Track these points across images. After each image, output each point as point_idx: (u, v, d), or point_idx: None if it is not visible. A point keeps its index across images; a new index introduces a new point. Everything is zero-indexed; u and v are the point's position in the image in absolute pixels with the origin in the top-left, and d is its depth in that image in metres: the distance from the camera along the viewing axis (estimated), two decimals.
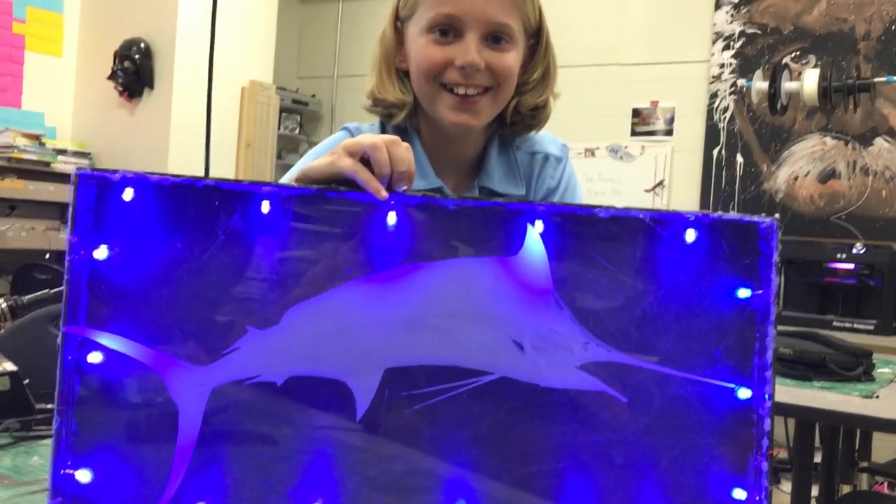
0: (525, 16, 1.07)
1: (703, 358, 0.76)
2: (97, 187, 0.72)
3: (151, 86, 4.22)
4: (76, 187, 0.72)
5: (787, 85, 3.65)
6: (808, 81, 3.49)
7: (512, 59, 1.06)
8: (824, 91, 3.50)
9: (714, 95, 4.37)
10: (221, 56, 4.26)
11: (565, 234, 0.76)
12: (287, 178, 0.88)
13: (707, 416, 0.76)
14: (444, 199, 0.76)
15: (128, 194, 0.72)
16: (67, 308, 0.72)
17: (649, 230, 0.76)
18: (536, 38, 1.12)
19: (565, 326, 0.75)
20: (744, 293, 0.76)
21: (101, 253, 0.72)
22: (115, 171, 0.72)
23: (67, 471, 0.72)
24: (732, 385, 0.76)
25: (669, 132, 4.53)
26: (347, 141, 0.79)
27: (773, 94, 3.63)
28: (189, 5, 4.15)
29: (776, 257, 0.75)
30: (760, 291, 0.76)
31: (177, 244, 0.73)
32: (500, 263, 0.75)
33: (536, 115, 1.15)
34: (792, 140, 4.20)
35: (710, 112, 4.38)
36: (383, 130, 1.13)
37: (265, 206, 0.74)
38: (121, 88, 4.22)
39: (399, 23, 1.11)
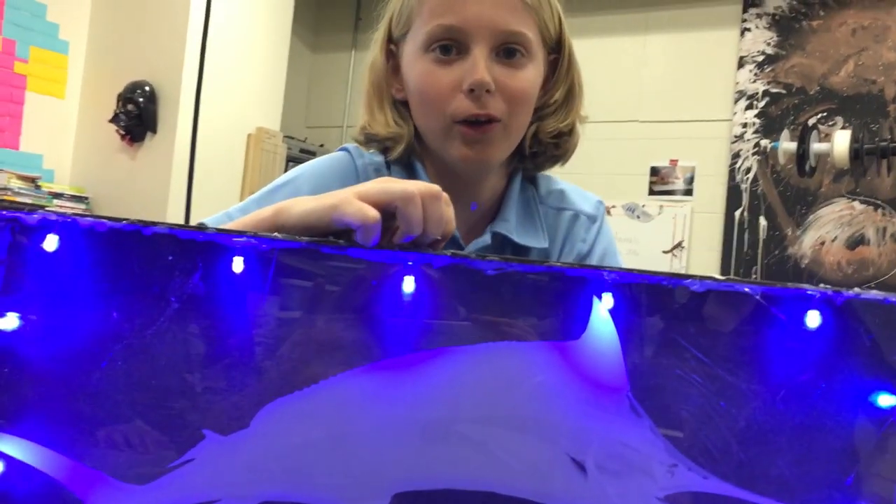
0: (542, 23, 0.87)
1: (828, 488, 0.56)
2: (10, 232, 0.53)
3: (154, 130, 4.08)
4: None
5: (817, 146, 3.50)
6: (839, 143, 3.33)
7: (529, 77, 0.87)
8: (856, 153, 3.34)
9: (736, 155, 4.21)
10: (228, 102, 4.15)
11: (644, 313, 0.56)
12: (241, 219, 0.67)
13: None
14: (480, 261, 0.56)
15: (50, 243, 0.53)
16: None
17: (759, 311, 0.56)
18: (557, 52, 0.93)
19: (644, 441, 0.55)
20: (886, 400, 0.56)
21: (9, 322, 0.53)
22: (31, 212, 0.53)
23: None
24: None
25: (689, 192, 4.36)
26: (369, 185, 0.60)
27: (802, 155, 3.48)
28: (196, 49, 4.03)
29: None
30: None
31: (113, 313, 0.53)
32: (556, 350, 0.55)
33: (561, 144, 0.95)
34: (818, 203, 4.02)
35: (731, 172, 4.22)
36: (387, 163, 0.94)
37: (237, 264, 0.54)
38: (122, 132, 4.08)
39: (392, 45, 0.93)
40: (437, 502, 0.54)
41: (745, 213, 4.17)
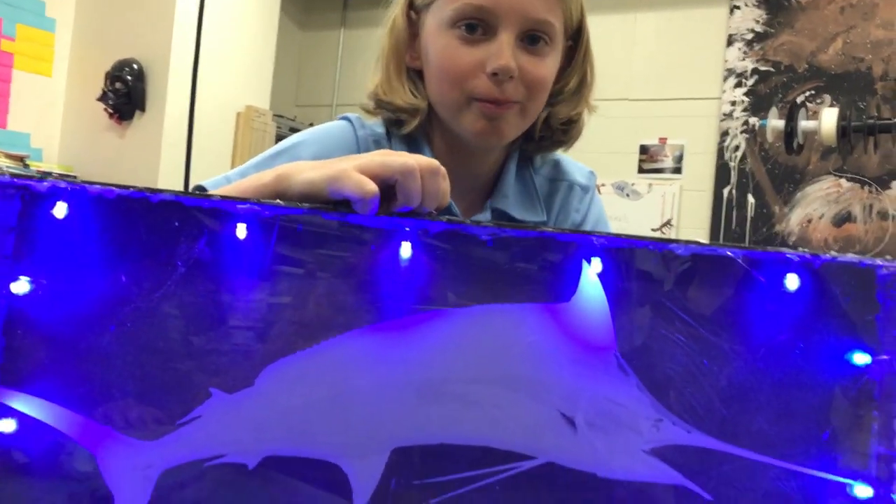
0: (568, 12, 0.89)
1: (806, 443, 0.59)
2: (21, 200, 0.55)
3: (143, 108, 4.06)
4: None
5: (804, 124, 3.52)
6: (827, 120, 3.36)
7: (549, 66, 0.88)
8: (843, 131, 3.37)
9: (725, 133, 4.23)
10: (217, 80, 4.13)
11: (631, 277, 0.58)
12: (242, 183, 0.69)
13: None
14: (475, 227, 0.58)
15: (60, 210, 0.55)
16: None
17: (741, 274, 0.58)
18: (575, 40, 0.94)
19: (631, 397, 0.57)
20: (860, 358, 0.59)
21: (21, 287, 0.55)
22: (41, 179, 0.54)
23: None
24: (847, 480, 0.58)
25: (678, 170, 4.38)
26: (369, 157, 0.61)
27: (790, 132, 3.50)
28: (184, 27, 4.02)
29: None
30: (884, 357, 0.58)
31: (121, 277, 0.55)
32: (547, 312, 0.58)
33: (568, 131, 0.97)
34: (806, 181, 4.06)
35: (720, 150, 4.24)
36: (388, 135, 0.95)
37: (241, 230, 0.56)
38: (111, 111, 4.06)
39: (413, 13, 0.92)
40: (433, 457, 0.57)
41: (734, 191, 4.19)
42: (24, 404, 0.54)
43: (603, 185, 4.45)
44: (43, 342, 0.55)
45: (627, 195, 4.46)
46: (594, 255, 0.58)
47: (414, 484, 0.56)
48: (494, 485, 0.57)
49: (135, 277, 0.55)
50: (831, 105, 3.95)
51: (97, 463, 0.54)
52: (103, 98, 4.05)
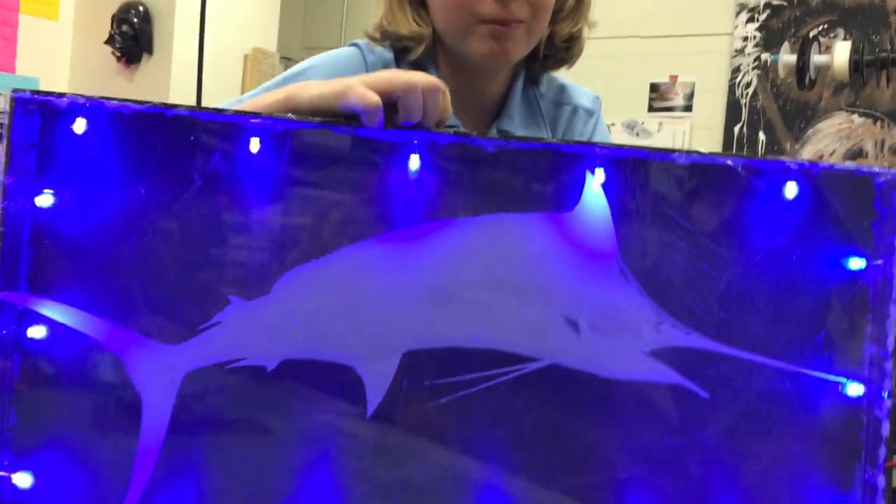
0: None
1: (801, 344, 0.61)
2: (41, 117, 0.57)
3: (150, 51, 4.04)
4: (13, 115, 0.56)
5: (817, 58, 3.47)
6: (839, 54, 3.31)
7: None
8: (856, 65, 3.32)
9: (736, 70, 4.18)
10: (223, 22, 4.09)
11: (633, 186, 0.60)
12: (252, 101, 0.70)
13: (806, 417, 0.61)
14: (481, 139, 0.60)
15: (79, 126, 0.57)
16: (3, 269, 0.56)
17: (741, 182, 0.60)
18: None
19: (632, 302, 0.60)
20: (856, 263, 0.61)
21: (45, 200, 0.57)
22: (61, 95, 0.56)
23: (3, 473, 0.57)
24: (840, 379, 0.60)
25: (689, 108, 4.34)
26: (375, 74, 0.63)
27: (802, 67, 3.46)
28: None
29: None
30: (879, 261, 0.60)
31: (140, 190, 0.58)
32: (551, 221, 0.60)
33: (570, 48, 0.99)
34: (817, 117, 4.02)
35: (731, 88, 4.20)
36: (397, 63, 0.97)
37: (254, 144, 0.58)
38: (118, 54, 4.04)
39: None
40: (442, 358, 0.59)
41: (745, 129, 4.16)
42: (53, 311, 0.57)
43: (613, 124, 4.42)
44: (68, 252, 0.57)
45: (637, 134, 4.43)
46: (598, 166, 0.60)
47: (425, 385, 0.59)
48: (501, 385, 0.59)
49: (153, 190, 0.58)
50: (844, 39, 3.89)
51: (125, 366, 0.57)
52: (111, 41, 4.03)
